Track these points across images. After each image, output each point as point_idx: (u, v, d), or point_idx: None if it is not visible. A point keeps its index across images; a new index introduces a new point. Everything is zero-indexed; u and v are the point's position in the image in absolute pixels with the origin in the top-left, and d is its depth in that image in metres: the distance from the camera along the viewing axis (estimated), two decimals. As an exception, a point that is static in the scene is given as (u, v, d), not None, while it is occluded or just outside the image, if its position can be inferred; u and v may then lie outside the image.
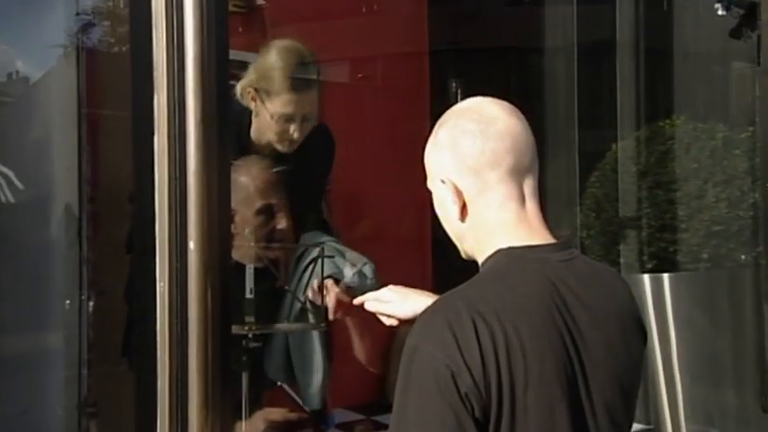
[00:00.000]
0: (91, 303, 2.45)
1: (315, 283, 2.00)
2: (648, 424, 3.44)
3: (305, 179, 2.23)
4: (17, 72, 3.29)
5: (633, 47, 3.99)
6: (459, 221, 1.11)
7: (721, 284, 3.40)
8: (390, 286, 1.51)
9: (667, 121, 3.60)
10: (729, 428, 3.29)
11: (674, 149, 3.51)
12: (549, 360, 1.00)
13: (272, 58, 2.15)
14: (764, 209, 2.77)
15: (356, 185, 2.94)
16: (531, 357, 0.98)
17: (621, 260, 3.61)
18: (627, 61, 3.94)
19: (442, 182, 1.11)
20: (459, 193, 1.09)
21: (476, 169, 1.07)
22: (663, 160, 3.50)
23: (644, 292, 3.38)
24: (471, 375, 0.94)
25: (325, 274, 1.97)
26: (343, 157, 2.46)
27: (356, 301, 1.63)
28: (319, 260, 2.01)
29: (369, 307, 1.54)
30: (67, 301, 2.47)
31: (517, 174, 1.08)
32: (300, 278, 2.08)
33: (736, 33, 2.98)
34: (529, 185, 1.10)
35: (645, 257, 3.53)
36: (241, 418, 1.85)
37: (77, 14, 2.86)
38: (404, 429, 0.98)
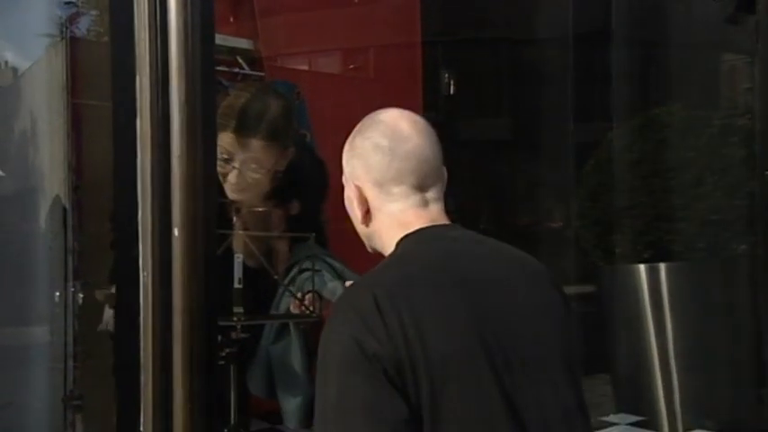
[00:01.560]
0: (78, 295, 2.41)
1: (299, 295, 1.95)
2: (642, 415, 3.42)
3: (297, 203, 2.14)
4: (6, 62, 3.24)
5: (628, 36, 3.96)
6: (363, 225, 1.19)
7: (718, 274, 3.38)
8: None
9: (663, 109, 3.56)
10: (724, 419, 3.27)
11: (670, 138, 3.47)
12: (456, 313, 1.02)
13: (233, 99, 2.00)
14: (762, 198, 2.74)
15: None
16: (436, 313, 1.01)
17: (617, 250, 3.59)
18: (622, 50, 3.91)
19: (351, 186, 1.18)
20: (363, 201, 1.17)
21: (380, 182, 1.15)
22: (659, 149, 3.46)
23: (640, 281, 3.36)
24: (375, 338, 0.97)
25: (308, 289, 1.92)
26: (333, 149, 2.39)
27: None
28: (303, 273, 1.97)
29: None
30: (57, 293, 2.42)
31: (420, 189, 1.15)
32: (284, 290, 2.02)
33: (732, 20, 2.94)
34: (432, 194, 1.17)
35: (640, 247, 3.50)
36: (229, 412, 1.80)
37: (66, 3, 2.82)
38: (327, 413, 0.99)
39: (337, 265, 2.08)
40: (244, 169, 1.95)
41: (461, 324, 1.02)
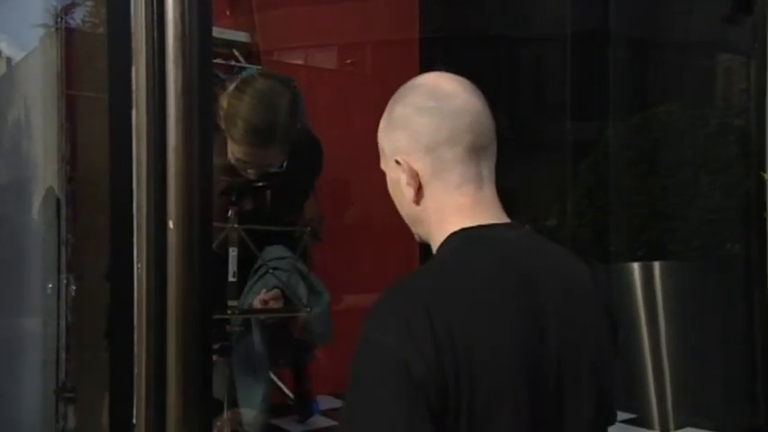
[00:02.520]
0: (71, 287, 2.40)
1: (262, 292, 1.96)
2: (634, 413, 3.42)
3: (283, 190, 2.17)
4: (0, 52, 3.23)
5: (626, 36, 3.96)
6: (414, 205, 1.05)
7: (712, 274, 3.39)
8: None
9: (661, 108, 3.56)
10: (716, 417, 3.28)
11: (666, 137, 3.48)
12: (513, 335, 0.94)
13: (239, 105, 1.97)
14: (757, 198, 2.75)
15: (343, 174, 2.89)
16: (491, 335, 0.93)
17: (612, 248, 3.59)
18: (619, 49, 3.91)
19: (397, 162, 1.05)
20: (414, 175, 1.03)
21: (432, 147, 1.02)
22: (655, 148, 3.47)
23: (633, 280, 3.36)
24: (424, 361, 0.88)
25: (272, 286, 1.94)
26: (330, 146, 2.39)
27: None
28: (269, 272, 1.99)
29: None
30: (50, 285, 2.41)
31: (475, 153, 1.03)
32: (251, 287, 2.04)
33: (730, 19, 2.94)
34: (486, 167, 1.05)
35: (636, 245, 3.51)
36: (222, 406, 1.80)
37: (60, -6, 2.80)
38: (356, 424, 0.91)
39: (304, 268, 2.10)
40: (264, 168, 2.05)
41: (511, 352, 0.94)
